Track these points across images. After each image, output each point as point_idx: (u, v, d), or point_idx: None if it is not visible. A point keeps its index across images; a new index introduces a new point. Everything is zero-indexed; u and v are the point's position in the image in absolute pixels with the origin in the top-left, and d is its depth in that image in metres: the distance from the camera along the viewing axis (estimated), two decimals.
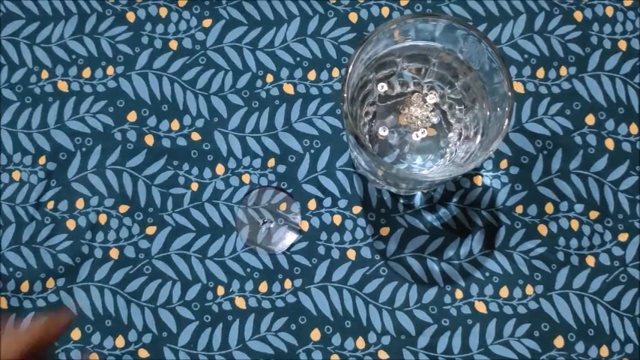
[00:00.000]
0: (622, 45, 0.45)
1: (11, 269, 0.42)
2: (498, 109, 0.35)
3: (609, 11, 0.45)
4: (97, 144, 0.44)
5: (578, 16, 0.45)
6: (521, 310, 0.42)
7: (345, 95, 0.34)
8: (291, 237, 0.43)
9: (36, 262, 0.42)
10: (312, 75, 0.44)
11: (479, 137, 0.37)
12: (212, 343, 0.42)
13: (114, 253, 0.43)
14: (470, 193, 0.43)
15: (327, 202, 0.43)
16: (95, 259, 0.43)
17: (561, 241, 0.43)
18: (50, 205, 0.43)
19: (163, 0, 0.46)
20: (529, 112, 0.44)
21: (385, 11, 0.45)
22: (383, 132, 0.38)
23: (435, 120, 0.38)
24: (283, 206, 0.43)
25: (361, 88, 0.37)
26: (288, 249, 0.42)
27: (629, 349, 0.41)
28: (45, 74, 0.45)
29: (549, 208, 0.43)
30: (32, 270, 0.42)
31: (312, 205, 0.43)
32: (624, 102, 0.44)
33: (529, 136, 0.44)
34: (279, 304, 0.42)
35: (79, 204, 0.43)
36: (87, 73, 0.45)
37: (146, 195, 0.43)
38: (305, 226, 0.43)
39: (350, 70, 0.34)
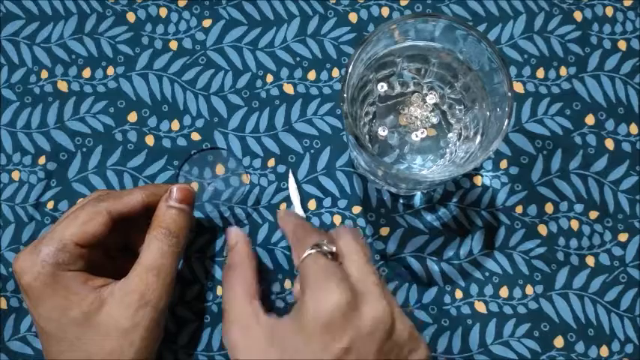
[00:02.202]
0: (622, 45, 0.45)
1: (11, 269, 0.42)
2: (498, 109, 0.35)
3: (609, 11, 0.45)
4: (98, 144, 0.44)
5: (577, 16, 0.45)
6: (521, 310, 0.42)
7: (345, 95, 0.34)
8: (238, 189, 0.43)
9: None
10: (312, 75, 0.45)
11: (479, 137, 0.37)
12: (212, 343, 0.42)
13: None
14: (470, 193, 0.43)
15: (327, 202, 0.43)
16: None
17: (561, 241, 0.43)
18: (50, 205, 0.43)
19: (163, 0, 0.46)
20: (529, 112, 0.44)
21: (385, 11, 0.45)
22: (383, 132, 0.38)
23: (434, 120, 0.38)
24: (220, 168, 0.43)
25: (361, 88, 0.37)
26: (241, 202, 0.43)
27: (629, 349, 0.41)
28: (45, 74, 0.45)
29: (549, 208, 0.43)
30: None
31: (312, 205, 0.43)
32: (624, 102, 0.44)
33: (529, 136, 0.44)
34: (279, 304, 0.42)
35: None
36: (87, 73, 0.45)
37: None
38: (247, 178, 0.43)
39: (350, 70, 0.34)
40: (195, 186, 0.42)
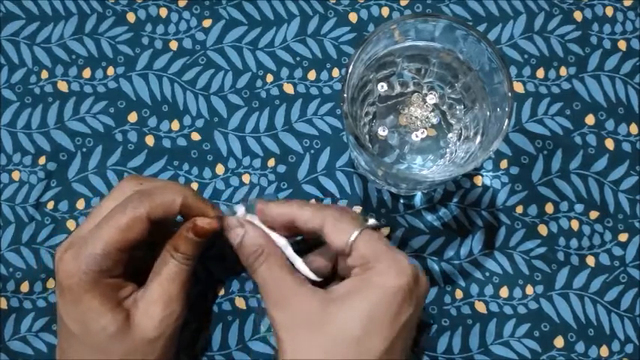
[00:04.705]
0: (622, 45, 0.45)
1: (11, 269, 0.42)
2: (498, 109, 0.35)
3: (609, 11, 0.45)
4: (98, 144, 0.44)
5: (578, 16, 0.45)
6: (521, 310, 0.42)
7: (345, 95, 0.34)
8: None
9: (36, 263, 0.42)
10: (312, 75, 0.45)
11: (479, 137, 0.37)
12: (212, 343, 0.42)
13: None
14: (470, 193, 0.43)
15: (327, 202, 0.43)
16: None
17: (561, 241, 0.43)
18: (50, 205, 0.43)
19: (163, 0, 0.46)
20: (529, 112, 0.44)
21: (385, 11, 0.45)
22: (383, 132, 0.38)
23: (434, 120, 0.38)
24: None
25: (361, 88, 0.38)
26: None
27: (629, 349, 0.41)
28: (45, 74, 0.45)
29: (549, 208, 0.43)
30: (32, 270, 0.42)
31: None
32: (624, 102, 0.44)
33: (529, 136, 0.44)
34: None
35: (80, 204, 0.43)
36: (87, 73, 0.45)
37: None
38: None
39: (350, 70, 0.34)
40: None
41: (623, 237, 0.43)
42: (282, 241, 0.36)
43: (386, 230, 0.43)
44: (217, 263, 0.42)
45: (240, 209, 0.37)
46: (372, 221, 0.35)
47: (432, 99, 0.38)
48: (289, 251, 0.36)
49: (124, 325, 0.34)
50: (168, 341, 0.36)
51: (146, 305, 0.35)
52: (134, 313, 0.35)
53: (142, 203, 0.35)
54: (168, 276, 0.36)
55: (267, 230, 0.36)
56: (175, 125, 0.44)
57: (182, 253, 0.36)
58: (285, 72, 0.45)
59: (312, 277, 0.36)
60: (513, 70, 0.44)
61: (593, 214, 0.43)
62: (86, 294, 0.34)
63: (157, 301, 0.35)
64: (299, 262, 0.36)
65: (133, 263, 0.36)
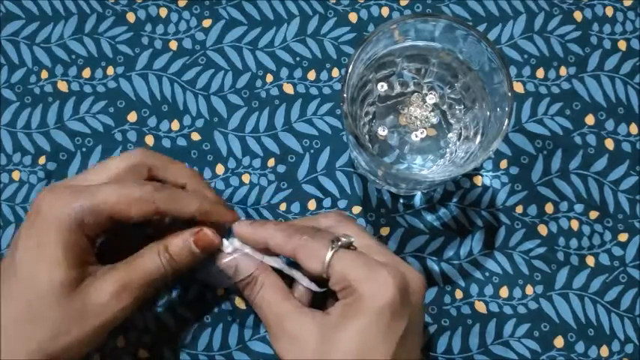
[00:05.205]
0: (622, 45, 0.45)
1: None
2: (498, 109, 0.35)
3: (609, 11, 0.45)
4: (98, 144, 0.44)
5: (577, 16, 0.45)
6: (521, 310, 0.42)
7: (345, 95, 0.34)
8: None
9: None
10: (311, 75, 0.45)
11: (479, 137, 0.37)
12: (212, 343, 0.42)
13: None
14: (470, 193, 0.43)
15: (327, 202, 0.43)
16: None
17: (561, 241, 0.43)
18: None
19: (163, 0, 0.46)
20: (529, 112, 0.44)
21: (385, 11, 0.45)
22: (382, 132, 0.38)
23: (434, 120, 0.38)
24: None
25: (361, 88, 0.38)
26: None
27: (629, 349, 0.41)
28: (45, 74, 0.45)
29: (549, 208, 0.43)
30: None
31: (311, 205, 0.43)
32: (624, 102, 0.44)
33: (529, 136, 0.44)
34: None
35: None
36: (87, 73, 0.45)
37: None
38: None
39: (350, 70, 0.34)
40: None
41: (623, 237, 0.43)
42: (277, 262, 0.36)
43: (385, 230, 0.43)
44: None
45: (233, 241, 0.36)
46: (343, 239, 0.33)
47: (431, 99, 0.38)
48: (286, 268, 0.36)
49: (69, 289, 0.31)
50: (102, 328, 0.32)
51: (101, 283, 0.32)
52: (87, 284, 0.32)
53: (159, 193, 0.33)
54: (141, 268, 0.33)
55: (257, 255, 0.36)
56: (175, 125, 0.44)
57: (169, 253, 0.34)
58: (284, 72, 0.45)
59: (315, 288, 0.35)
60: (513, 70, 0.44)
61: (593, 214, 0.43)
62: (57, 235, 0.31)
63: (114, 283, 0.32)
64: (299, 276, 0.35)
65: (121, 246, 0.35)
